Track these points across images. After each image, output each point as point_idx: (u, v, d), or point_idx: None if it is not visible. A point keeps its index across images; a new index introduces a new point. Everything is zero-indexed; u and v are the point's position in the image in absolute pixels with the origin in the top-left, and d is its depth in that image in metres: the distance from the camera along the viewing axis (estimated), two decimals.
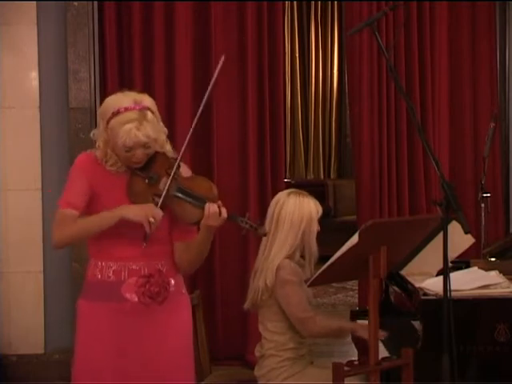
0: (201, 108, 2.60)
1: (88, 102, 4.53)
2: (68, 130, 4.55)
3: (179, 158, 2.60)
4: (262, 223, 2.62)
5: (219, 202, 2.56)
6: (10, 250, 4.58)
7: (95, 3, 4.59)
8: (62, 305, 4.45)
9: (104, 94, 4.60)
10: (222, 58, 2.58)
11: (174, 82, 4.65)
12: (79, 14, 4.52)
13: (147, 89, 4.56)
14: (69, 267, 4.51)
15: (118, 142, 2.51)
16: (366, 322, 3.23)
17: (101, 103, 4.75)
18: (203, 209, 2.53)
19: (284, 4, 6.54)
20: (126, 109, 2.51)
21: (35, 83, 4.57)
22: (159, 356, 2.61)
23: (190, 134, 2.64)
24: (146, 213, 2.48)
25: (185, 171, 2.68)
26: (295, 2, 9.46)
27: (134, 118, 2.50)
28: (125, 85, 4.58)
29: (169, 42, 4.65)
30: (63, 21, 4.53)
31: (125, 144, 2.50)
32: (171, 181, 2.55)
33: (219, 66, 2.59)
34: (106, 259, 2.60)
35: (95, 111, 4.53)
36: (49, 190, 4.48)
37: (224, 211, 2.54)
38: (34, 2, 4.54)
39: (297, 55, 9.67)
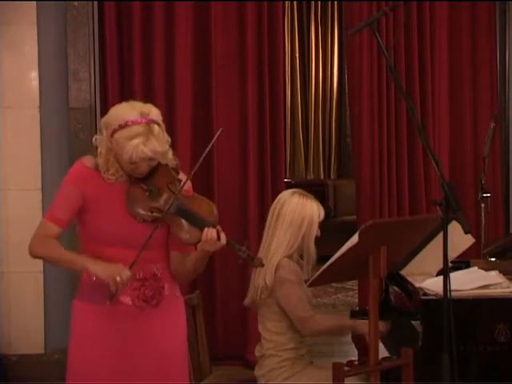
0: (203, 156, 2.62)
1: (88, 101, 4.52)
2: (68, 130, 4.55)
3: (184, 180, 2.58)
4: (256, 255, 2.62)
5: (218, 227, 2.53)
6: (10, 250, 4.58)
7: (95, 3, 4.59)
8: (62, 305, 4.43)
9: (104, 94, 4.61)
10: (220, 131, 2.63)
11: (174, 82, 4.65)
12: (79, 13, 4.52)
13: (147, 89, 4.57)
14: None
15: (124, 156, 2.49)
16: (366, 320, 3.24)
17: (101, 103, 4.75)
18: (201, 231, 2.51)
19: (284, 4, 6.53)
20: (133, 122, 2.48)
21: (35, 83, 4.57)
22: (153, 358, 2.60)
23: (198, 163, 2.61)
24: (113, 272, 2.46)
25: (186, 185, 2.64)
26: (295, 2, 9.46)
27: (140, 133, 2.47)
28: (125, 84, 4.62)
29: (169, 42, 4.65)
30: (63, 21, 4.53)
31: (131, 159, 2.49)
32: (173, 200, 2.52)
33: (215, 137, 2.64)
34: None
35: (95, 111, 4.52)
36: None
37: (223, 237, 2.53)
38: (34, 2, 4.54)
39: (297, 55, 9.67)
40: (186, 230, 2.53)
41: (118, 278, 2.44)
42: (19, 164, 4.58)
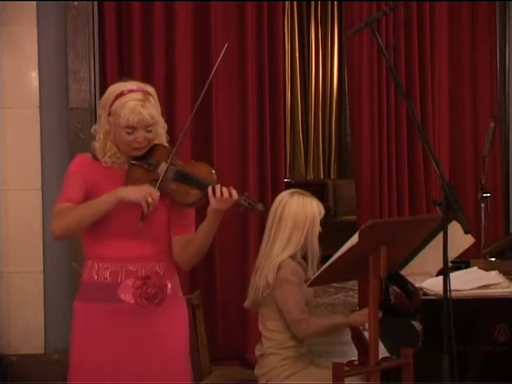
0: (202, 94, 2.70)
1: (88, 101, 4.53)
2: (68, 130, 4.55)
3: (178, 143, 2.62)
4: (259, 201, 2.61)
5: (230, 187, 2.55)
6: (10, 250, 4.58)
7: (95, 3, 4.60)
8: (62, 305, 4.44)
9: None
10: (225, 46, 2.67)
11: (174, 82, 4.65)
12: (79, 14, 4.53)
13: None
14: (69, 267, 4.51)
15: (122, 121, 2.51)
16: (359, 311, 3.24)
17: None
18: (202, 190, 2.53)
19: (284, 4, 6.52)
20: (130, 90, 2.54)
21: (35, 83, 4.57)
22: (155, 358, 2.60)
23: (188, 121, 2.70)
24: (143, 193, 2.47)
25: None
26: (295, 2, 9.46)
27: (138, 98, 2.53)
28: None
29: (169, 42, 4.65)
30: (63, 21, 4.53)
31: (129, 122, 2.50)
32: (169, 164, 2.56)
33: (221, 54, 2.64)
34: (103, 261, 2.58)
35: (95, 111, 4.52)
36: None
37: (234, 192, 2.52)
38: (34, 2, 4.55)
39: (297, 55, 9.67)
40: (186, 191, 2.55)
41: (149, 200, 2.46)
42: (19, 164, 4.58)
